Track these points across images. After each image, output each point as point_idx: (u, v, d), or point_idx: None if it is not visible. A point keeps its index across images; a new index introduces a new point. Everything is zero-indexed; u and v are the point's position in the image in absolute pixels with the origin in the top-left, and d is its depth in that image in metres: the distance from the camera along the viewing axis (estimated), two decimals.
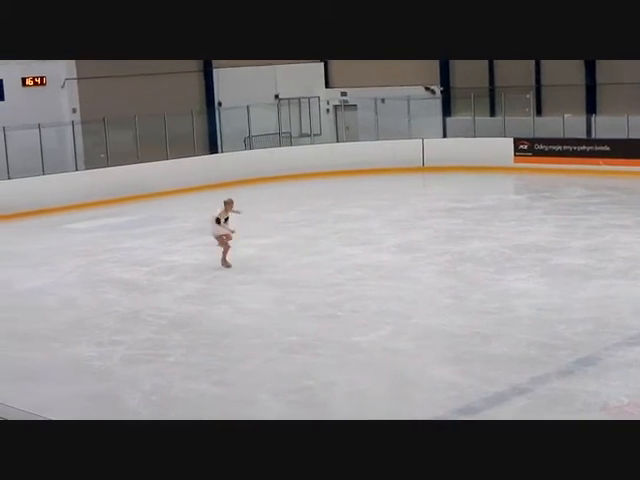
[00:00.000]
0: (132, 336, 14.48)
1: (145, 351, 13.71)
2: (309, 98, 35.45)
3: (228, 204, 18.73)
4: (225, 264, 18.60)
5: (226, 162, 31.55)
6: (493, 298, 15.44)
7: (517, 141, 30.61)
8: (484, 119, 32.26)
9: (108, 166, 29.21)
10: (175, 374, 12.63)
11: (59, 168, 28.74)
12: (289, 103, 35.32)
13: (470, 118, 31.99)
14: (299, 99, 35.40)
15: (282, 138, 34.41)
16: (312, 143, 34.11)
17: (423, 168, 31.61)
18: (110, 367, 13.08)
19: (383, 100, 33.16)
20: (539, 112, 31.91)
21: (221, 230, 18.53)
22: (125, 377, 12.68)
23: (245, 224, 23.67)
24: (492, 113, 33.01)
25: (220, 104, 34.23)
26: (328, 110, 35.95)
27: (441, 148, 31.80)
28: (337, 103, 35.42)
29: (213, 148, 33.55)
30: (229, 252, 18.62)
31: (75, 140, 29.84)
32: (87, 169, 29.57)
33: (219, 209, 18.67)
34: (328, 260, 19.06)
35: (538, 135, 30.56)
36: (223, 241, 18.58)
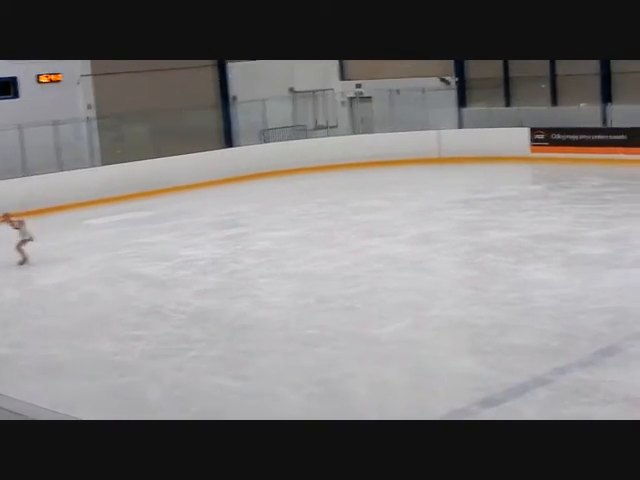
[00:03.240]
0: (153, 331, 14.54)
1: (166, 346, 13.76)
2: (324, 90, 35.47)
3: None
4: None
5: (242, 156, 31.60)
6: (513, 288, 15.40)
7: (533, 131, 30.53)
8: (500, 109, 32.19)
9: (125, 161, 29.31)
10: (196, 368, 12.68)
11: (76, 165, 28.81)
12: (304, 96, 35.34)
13: (486, 108, 31.93)
14: (314, 92, 35.41)
15: (298, 131, 34.43)
16: (328, 135, 34.12)
17: (439, 159, 31.53)
18: (131, 362, 13.14)
19: (398, 92, 33.10)
20: (554, 102, 31.81)
21: None
22: (146, 372, 12.74)
23: (263, 217, 23.88)
24: (507, 103, 32.89)
25: (235, 98, 34.24)
26: (343, 102, 35.94)
27: (457, 139, 31.75)
28: (352, 95, 35.41)
29: (229, 142, 33.60)
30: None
31: (91, 136, 29.95)
32: (104, 165, 29.68)
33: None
34: (346, 252, 19.06)
35: (554, 125, 30.47)
36: None
